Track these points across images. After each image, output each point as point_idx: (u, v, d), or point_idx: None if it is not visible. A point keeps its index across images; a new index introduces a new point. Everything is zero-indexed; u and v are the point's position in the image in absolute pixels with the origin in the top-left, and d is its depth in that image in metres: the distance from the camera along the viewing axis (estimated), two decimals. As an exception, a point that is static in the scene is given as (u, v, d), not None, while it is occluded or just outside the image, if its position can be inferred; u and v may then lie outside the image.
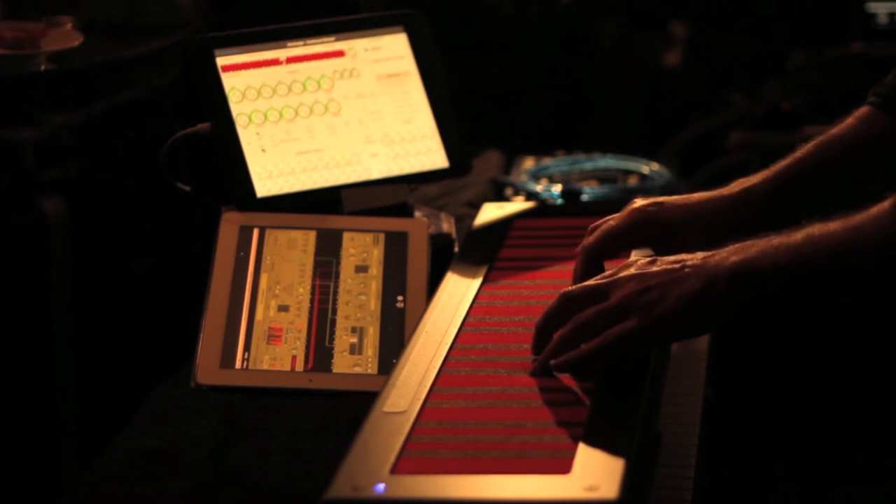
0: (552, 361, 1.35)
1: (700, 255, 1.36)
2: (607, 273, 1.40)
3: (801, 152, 1.55)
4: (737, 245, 1.35)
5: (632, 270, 1.38)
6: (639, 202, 1.53)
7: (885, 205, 1.30)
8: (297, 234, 1.71)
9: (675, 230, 1.51)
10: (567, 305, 1.39)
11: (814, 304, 2.55)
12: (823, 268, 1.32)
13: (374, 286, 1.66)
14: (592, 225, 1.54)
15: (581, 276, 1.47)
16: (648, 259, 1.39)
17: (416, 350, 1.41)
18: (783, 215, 1.47)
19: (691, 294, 1.33)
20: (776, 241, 1.34)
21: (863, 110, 1.54)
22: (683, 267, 1.35)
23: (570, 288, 1.40)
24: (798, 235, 1.33)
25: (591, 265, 1.49)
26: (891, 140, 1.52)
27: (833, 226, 1.32)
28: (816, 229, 1.32)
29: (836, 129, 1.55)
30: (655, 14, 3.37)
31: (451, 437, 1.24)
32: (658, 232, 1.51)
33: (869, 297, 2.54)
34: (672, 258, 1.37)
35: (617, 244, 1.52)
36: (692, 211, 1.52)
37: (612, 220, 1.53)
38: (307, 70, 1.84)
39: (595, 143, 2.46)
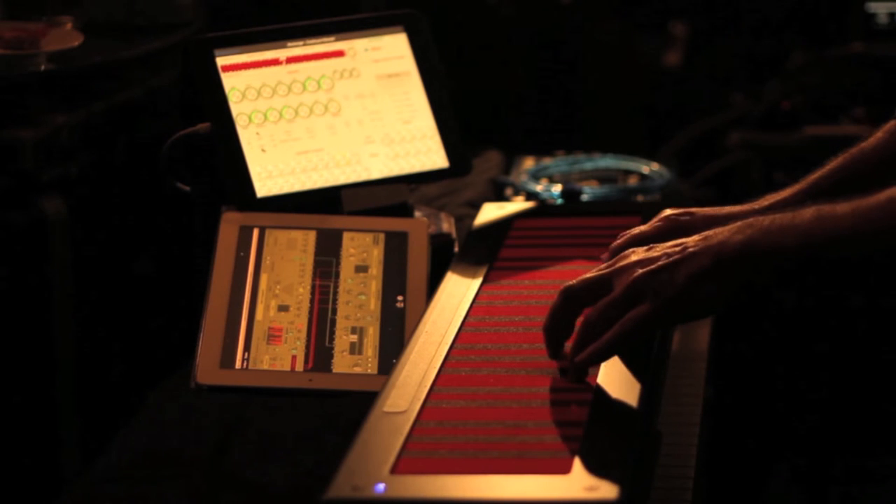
0: (576, 359, 1.35)
1: (696, 236, 1.36)
2: (603, 265, 1.40)
3: (830, 166, 1.55)
4: (737, 224, 1.34)
5: (632, 258, 1.38)
6: (669, 211, 1.53)
7: (894, 192, 1.29)
8: (297, 234, 1.71)
9: None
10: (570, 300, 1.39)
11: (816, 302, 2.55)
12: (831, 253, 1.31)
13: (374, 286, 1.66)
14: (623, 232, 1.54)
15: None
16: (644, 248, 1.39)
17: (416, 350, 1.41)
18: None
19: (700, 272, 1.33)
20: (780, 220, 1.32)
21: (891, 124, 1.55)
22: (685, 248, 1.35)
23: (569, 283, 1.40)
24: (805, 215, 1.31)
25: None
26: None
27: (841, 209, 1.30)
28: (826, 211, 1.31)
29: (864, 143, 1.55)
30: (655, 14, 3.37)
31: (451, 437, 1.24)
32: None
33: (873, 292, 2.54)
34: (670, 243, 1.37)
35: None
36: (723, 223, 1.51)
37: (642, 226, 1.53)
38: (307, 70, 1.84)
39: (595, 143, 2.46)
